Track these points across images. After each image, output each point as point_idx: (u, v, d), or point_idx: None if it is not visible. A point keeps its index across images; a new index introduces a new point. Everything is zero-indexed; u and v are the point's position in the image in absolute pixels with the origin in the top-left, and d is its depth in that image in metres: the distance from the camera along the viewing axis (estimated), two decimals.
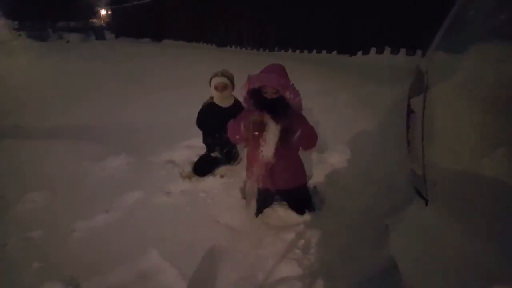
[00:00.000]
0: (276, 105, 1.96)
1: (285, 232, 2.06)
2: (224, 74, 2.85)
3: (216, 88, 2.83)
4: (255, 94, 2.02)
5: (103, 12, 31.27)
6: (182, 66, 7.32)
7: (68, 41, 19.19)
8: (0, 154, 3.35)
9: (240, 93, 2.13)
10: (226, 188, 2.62)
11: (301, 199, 2.27)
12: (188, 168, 2.93)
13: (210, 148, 2.99)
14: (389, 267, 1.56)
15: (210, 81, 2.89)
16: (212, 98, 2.92)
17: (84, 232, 2.21)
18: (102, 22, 29.68)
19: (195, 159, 3.01)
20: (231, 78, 2.88)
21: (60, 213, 2.42)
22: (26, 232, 2.21)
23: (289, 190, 2.25)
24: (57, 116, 4.69)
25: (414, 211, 1.23)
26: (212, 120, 2.80)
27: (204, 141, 3.02)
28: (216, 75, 2.85)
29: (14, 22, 22.78)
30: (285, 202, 2.29)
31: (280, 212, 2.21)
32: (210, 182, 2.70)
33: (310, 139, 2.11)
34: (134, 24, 18.48)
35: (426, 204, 1.14)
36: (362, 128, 3.21)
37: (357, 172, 2.68)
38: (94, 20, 28.73)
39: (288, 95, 1.94)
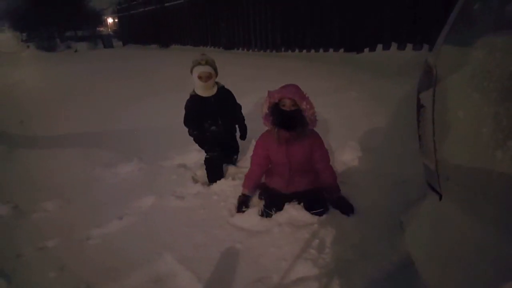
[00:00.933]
0: (294, 117, 2.12)
1: (299, 232, 2.04)
2: (208, 62, 2.66)
3: (199, 78, 2.65)
4: (274, 110, 2.17)
5: (110, 20, 31.69)
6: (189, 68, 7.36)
7: (76, 50, 19.50)
8: (13, 163, 3.41)
9: (260, 110, 2.28)
10: (238, 190, 2.61)
11: (314, 199, 2.26)
12: (200, 172, 2.94)
13: (208, 147, 2.86)
14: (406, 264, 1.54)
15: (191, 70, 2.69)
16: (193, 90, 2.75)
17: (98, 239, 2.22)
18: (109, 30, 30.09)
19: None
20: (214, 66, 2.70)
21: (74, 221, 2.44)
22: (41, 242, 2.23)
23: (304, 192, 2.30)
24: (67, 124, 4.76)
25: (428, 206, 1.21)
26: (201, 115, 2.69)
27: (197, 141, 2.88)
28: (199, 63, 2.65)
29: (22, 34, 23.23)
30: (297, 204, 2.28)
31: (293, 213, 2.20)
32: (222, 185, 2.70)
33: (326, 161, 2.35)
34: (141, 31, 18.66)
35: (440, 199, 1.12)
36: (373, 124, 3.19)
37: (369, 169, 2.66)
38: (101, 29, 29.13)
39: (304, 105, 2.10)
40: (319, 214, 2.17)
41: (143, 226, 2.32)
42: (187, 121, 2.78)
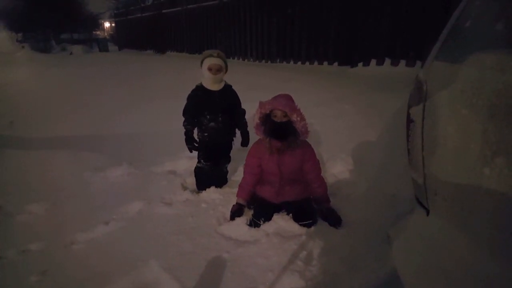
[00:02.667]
0: (284, 128, 2.16)
1: (287, 243, 2.03)
2: (219, 55, 2.62)
3: (210, 69, 2.58)
4: (265, 120, 2.22)
5: (106, 24, 31.73)
6: (184, 75, 7.37)
7: (71, 53, 19.41)
8: (0, 164, 3.34)
9: (251, 121, 2.34)
10: (227, 199, 2.60)
11: (303, 210, 2.25)
12: (190, 179, 2.92)
13: (203, 157, 2.80)
14: (393, 278, 1.53)
15: (201, 62, 2.63)
16: (200, 83, 2.70)
17: (83, 244, 2.18)
18: (106, 34, 30.10)
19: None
20: (225, 60, 2.67)
21: (60, 225, 2.39)
22: (25, 245, 2.17)
23: (294, 202, 2.30)
24: (58, 126, 4.71)
25: (416, 221, 1.22)
26: (202, 103, 2.62)
27: (191, 144, 2.71)
28: (210, 55, 2.60)
29: (17, 34, 23.08)
30: (286, 215, 2.27)
31: (282, 223, 2.19)
32: (211, 193, 2.68)
33: (318, 171, 2.37)
34: (137, 36, 18.69)
35: (427, 214, 1.12)
36: (365, 137, 3.21)
37: (359, 181, 2.67)
38: (98, 32, 29.12)
39: (295, 117, 2.14)
40: (308, 226, 2.17)
41: (130, 232, 2.28)
42: (186, 111, 2.68)
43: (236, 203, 2.42)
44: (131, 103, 5.76)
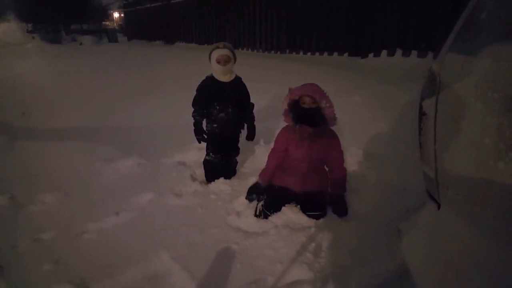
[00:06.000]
0: (313, 114, 2.19)
1: (296, 235, 2.03)
2: (226, 46, 2.62)
3: (218, 61, 2.58)
4: (294, 107, 2.24)
5: (116, 15, 31.75)
6: (193, 67, 7.37)
7: (81, 44, 19.52)
8: (12, 154, 3.41)
9: (280, 107, 2.35)
10: (236, 190, 2.61)
11: (314, 201, 2.25)
12: (199, 170, 2.93)
13: (212, 149, 2.80)
14: (402, 273, 1.53)
15: (210, 55, 2.63)
16: (211, 74, 2.69)
17: (94, 234, 2.22)
18: (115, 24, 30.14)
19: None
20: (233, 51, 2.66)
21: (71, 215, 2.43)
22: (37, 234, 2.22)
23: (310, 193, 2.29)
24: (69, 118, 4.75)
25: (426, 215, 1.20)
26: (212, 93, 2.62)
27: (200, 135, 2.73)
28: (217, 47, 2.61)
29: (27, 25, 23.27)
30: (295, 206, 2.27)
31: (291, 215, 2.19)
32: (220, 184, 2.69)
33: (342, 161, 2.40)
34: (146, 27, 18.70)
35: (439, 208, 1.11)
36: (376, 129, 3.18)
37: (369, 174, 2.65)
38: (107, 23, 29.18)
39: (324, 103, 2.16)
40: (316, 218, 2.16)
41: (140, 223, 2.31)
42: (195, 101, 2.69)
43: (256, 182, 2.46)
44: (141, 94, 5.79)
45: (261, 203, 2.33)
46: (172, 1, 15.25)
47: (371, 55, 6.57)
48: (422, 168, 1.19)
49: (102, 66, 9.20)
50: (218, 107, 2.63)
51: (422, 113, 1.13)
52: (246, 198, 2.40)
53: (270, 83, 5.50)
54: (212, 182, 2.73)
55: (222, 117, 2.65)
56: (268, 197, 2.35)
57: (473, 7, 1.01)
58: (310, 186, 2.30)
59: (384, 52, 6.33)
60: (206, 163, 2.82)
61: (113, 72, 8.16)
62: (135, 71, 8.14)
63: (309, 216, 2.17)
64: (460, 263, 0.97)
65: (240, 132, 2.85)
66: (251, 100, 2.81)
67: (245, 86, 2.76)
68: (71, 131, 4.26)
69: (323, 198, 2.32)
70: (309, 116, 2.19)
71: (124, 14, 23.82)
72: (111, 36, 21.98)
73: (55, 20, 22.27)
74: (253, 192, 2.41)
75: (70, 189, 2.77)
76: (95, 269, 1.89)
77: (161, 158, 3.24)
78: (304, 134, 2.24)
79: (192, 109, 2.69)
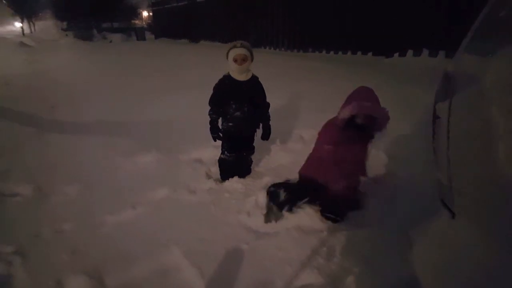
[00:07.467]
0: (365, 129, 2.25)
1: (308, 238, 2.00)
2: (243, 45, 2.60)
3: (235, 60, 2.57)
4: (349, 121, 2.23)
5: (144, 13, 32.49)
6: (216, 66, 7.42)
7: (111, 41, 20.15)
8: (40, 146, 3.55)
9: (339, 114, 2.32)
10: (250, 188, 2.60)
11: (334, 204, 2.20)
12: (214, 168, 2.95)
13: (227, 148, 2.80)
14: (414, 282, 1.47)
15: (227, 54, 2.62)
16: (228, 73, 2.68)
17: (111, 227, 2.28)
18: (144, 23, 30.83)
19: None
20: (250, 50, 2.63)
21: (91, 207, 2.51)
22: (58, 224, 2.31)
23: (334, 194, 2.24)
24: (94, 112, 4.90)
25: (439, 223, 1.15)
26: (229, 92, 2.62)
27: (216, 133, 2.72)
28: (234, 46, 2.60)
29: (62, 23, 24.27)
30: (309, 209, 2.23)
31: (303, 217, 2.15)
32: (234, 183, 2.69)
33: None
34: (173, 25, 19.04)
35: (453, 217, 1.05)
36: (396, 132, 3.06)
37: (387, 179, 2.56)
38: (136, 21, 29.90)
39: (378, 116, 2.20)
40: (333, 221, 2.12)
41: (154, 218, 2.35)
42: (212, 100, 2.70)
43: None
44: (163, 91, 5.89)
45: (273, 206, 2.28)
46: (198, 0, 15.44)
47: (396, 54, 6.38)
48: (435, 174, 1.13)
49: (128, 62, 9.45)
50: (234, 106, 2.63)
51: (435, 117, 1.08)
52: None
53: (290, 82, 5.46)
54: (227, 181, 2.74)
55: (238, 116, 2.65)
56: (291, 191, 2.29)
57: (492, 5, 0.95)
58: (339, 186, 2.24)
59: (410, 52, 6.13)
60: (221, 162, 2.83)
61: (138, 68, 8.37)
62: (159, 68, 8.31)
63: (327, 218, 2.13)
64: (473, 275, 0.92)
65: (256, 131, 2.83)
66: (269, 100, 2.78)
67: (262, 85, 2.74)
68: (95, 124, 4.40)
69: (345, 203, 2.25)
70: (362, 130, 2.25)
71: (153, 12, 24.35)
72: (139, 34, 22.53)
73: (87, 19, 23.07)
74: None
75: (90, 181, 2.86)
76: (109, 261, 1.94)
77: (179, 154, 3.28)
78: (351, 137, 2.26)
79: (209, 108, 2.70)
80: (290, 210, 2.21)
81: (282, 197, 2.24)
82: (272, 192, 2.29)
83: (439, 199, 1.15)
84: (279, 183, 2.41)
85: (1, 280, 1.90)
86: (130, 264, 1.90)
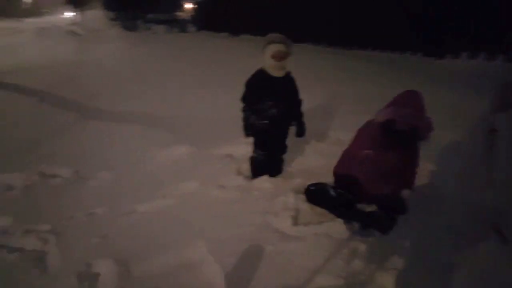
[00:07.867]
0: (406, 138, 2.12)
1: (337, 246, 1.89)
2: (282, 40, 2.45)
3: (273, 56, 2.45)
4: (387, 125, 2.15)
5: (188, 6, 33.18)
6: (254, 61, 7.38)
7: (155, 32, 20.77)
8: (79, 132, 3.73)
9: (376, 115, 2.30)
10: (279, 187, 2.53)
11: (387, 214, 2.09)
12: (245, 165, 2.91)
13: (259, 146, 2.73)
14: None
15: (264, 48, 2.49)
16: (262, 68, 2.55)
17: (140, 215, 2.33)
18: (187, 15, 31.48)
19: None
20: (290, 46, 2.49)
21: (123, 194, 2.59)
22: (92, 208, 2.41)
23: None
24: (132, 102, 5.03)
25: (488, 250, 1.02)
26: (263, 89, 2.51)
27: (249, 130, 2.65)
28: (273, 41, 2.44)
29: (111, 13, 25.38)
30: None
31: (335, 225, 2.06)
32: (264, 181, 2.62)
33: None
34: (214, 18, 19.24)
35: (505, 242, 0.92)
36: (441, 143, 2.85)
37: (432, 194, 2.37)
38: (180, 13, 30.58)
39: (420, 124, 2.08)
40: (363, 227, 2.04)
41: (182, 210, 2.37)
42: (245, 97, 2.61)
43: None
44: (200, 86, 5.93)
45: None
46: None
47: (449, 56, 5.98)
48: (487, 193, 1.01)
49: (168, 54, 9.64)
50: (268, 103, 2.55)
51: (492, 129, 0.95)
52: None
53: (331, 81, 5.29)
54: (256, 179, 2.68)
55: (272, 113, 2.57)
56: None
57: None
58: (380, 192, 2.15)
59: (464, 54, 5.72)
60: (252, 159, 2.78)
61: (177, 60, 8.50)
62: (197, 61, 8.39)
63: (371, 224, 2.04)
64: None
65: (289, 129, 2.75)
66: (305, 99, 2.70)
67: (295, 82, 2.64)
68: (134, 115, 4.53)
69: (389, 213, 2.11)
70: (404, 137, 2.12)
71: (198, 5, 24.76)
72: (182, 26, 23.02)
73: (135, 9, 23.92)
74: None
75: (124, 170, 2.96)
76: (136, 249, 1.98)
77: (211, 149, 3.29)
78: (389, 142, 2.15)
79: (242, 104, 2.64)
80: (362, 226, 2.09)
81: (332, 193, 2.17)
82: (315, 191, 2.22)
83: (488, 222, 1.02)
84: (318, 183, 2.30)
85: (37, 255, 2.02)
86: (156, 254, 1.92)
